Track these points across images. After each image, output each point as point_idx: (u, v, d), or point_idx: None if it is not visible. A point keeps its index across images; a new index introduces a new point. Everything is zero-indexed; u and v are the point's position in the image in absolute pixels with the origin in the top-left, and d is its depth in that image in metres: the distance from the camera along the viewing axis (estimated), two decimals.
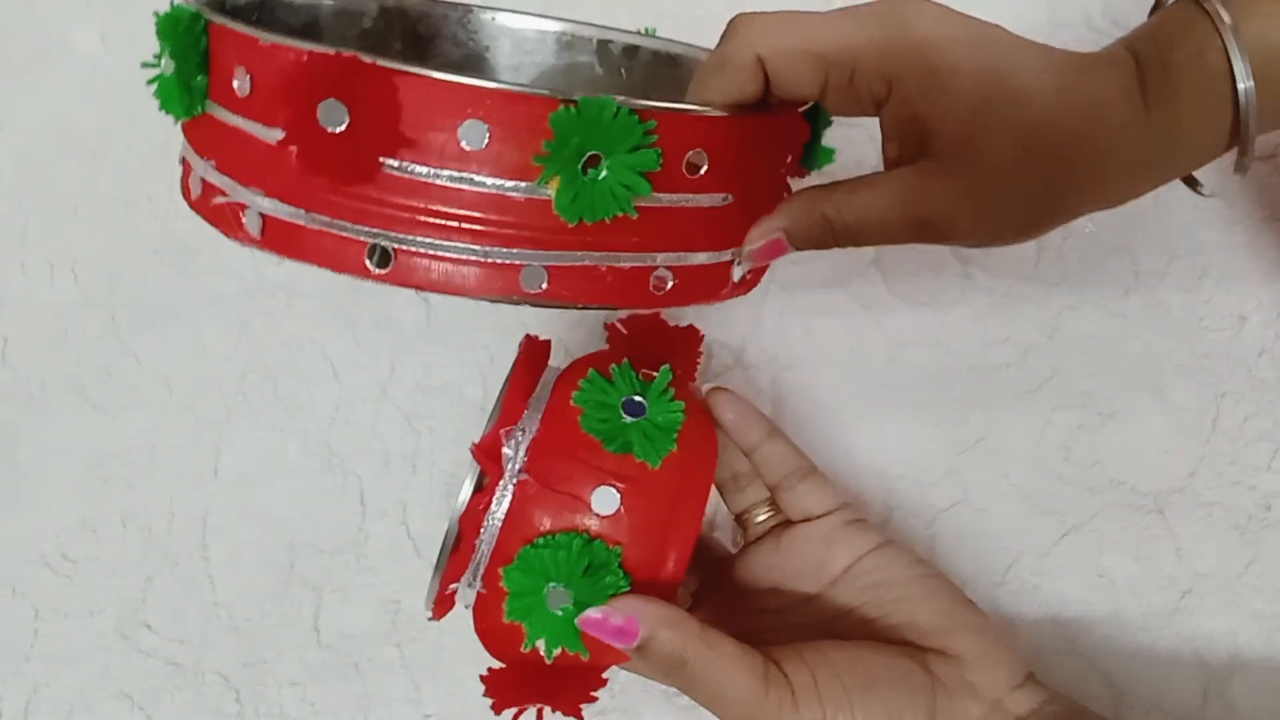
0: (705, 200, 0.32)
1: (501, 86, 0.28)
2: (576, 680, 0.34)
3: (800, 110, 0.35)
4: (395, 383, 0.51)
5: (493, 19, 0.46)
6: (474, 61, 0.46)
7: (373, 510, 0.48)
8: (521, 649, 0.34)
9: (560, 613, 0.32)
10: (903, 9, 0.32)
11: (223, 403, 0.52)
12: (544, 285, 0.30)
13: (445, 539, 0.34)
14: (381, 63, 0.28)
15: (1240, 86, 0.31)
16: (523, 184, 0.29)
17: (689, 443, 0.35)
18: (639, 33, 0.46)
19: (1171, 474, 0.43)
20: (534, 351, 0.39)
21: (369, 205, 0.29)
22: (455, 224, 0.29)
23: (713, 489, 0.38)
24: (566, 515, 0.33)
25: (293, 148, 0.28)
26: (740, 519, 0.40)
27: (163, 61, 0.32)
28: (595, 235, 0.30)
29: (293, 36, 0.29)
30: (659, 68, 0.46)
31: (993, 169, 0.32)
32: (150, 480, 0.51)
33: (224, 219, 0.32)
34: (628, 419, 0.34)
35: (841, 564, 0.37)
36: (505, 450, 0.34)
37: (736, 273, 0.35)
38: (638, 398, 0.34)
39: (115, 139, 0.59)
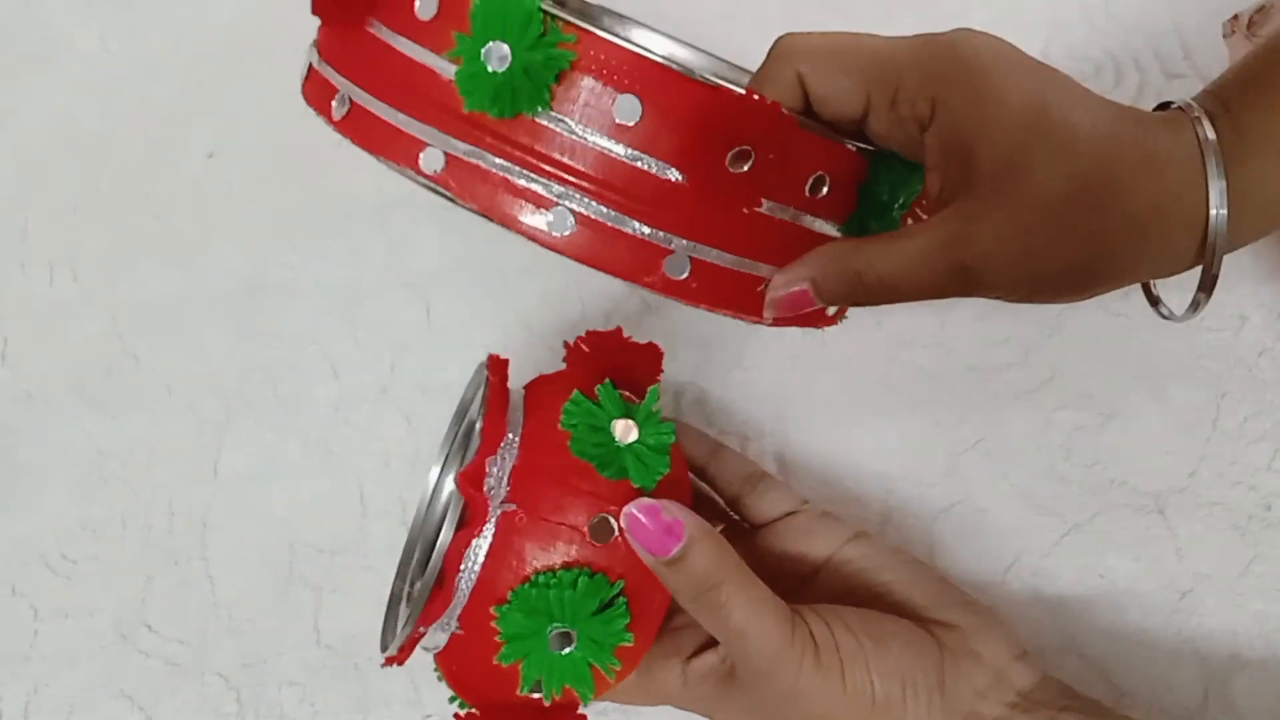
0: (635, 159, 0.29)
1: None
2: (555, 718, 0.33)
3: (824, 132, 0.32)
4: (395, 383, 0.51)
5: None
6: None
7: (373, 510, 0.48)
8: (516, 692, 0.32)
9: (564, 654, 0.31)
10: (953, 34, 0.31)
11: (223, 403, 0.52)
12: (440, 168, 0.30)
13: (425, 580, 0.33)
14: None
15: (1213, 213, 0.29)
16: (441, 58, 0.29)
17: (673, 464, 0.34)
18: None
19: (1172, 474, 0.43)
20: (501, 371, 0.37)
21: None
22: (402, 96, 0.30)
23: None
24: (562, 547, 0.32)
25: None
26: None
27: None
28: (497, 134, 0.29)
29: None
30: None
31: (1039, 204, 0.30)
32: (150, 480, 0.51)
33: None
34: (621, 442, 0.32)
35: (822, 554, 0.38)
36: (488, 479, 0.32)
37: (677, 273, 0.31)
38: (629, 419, 0.32)
39: (115, 139, 0.59)
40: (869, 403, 0.46)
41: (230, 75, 0.59)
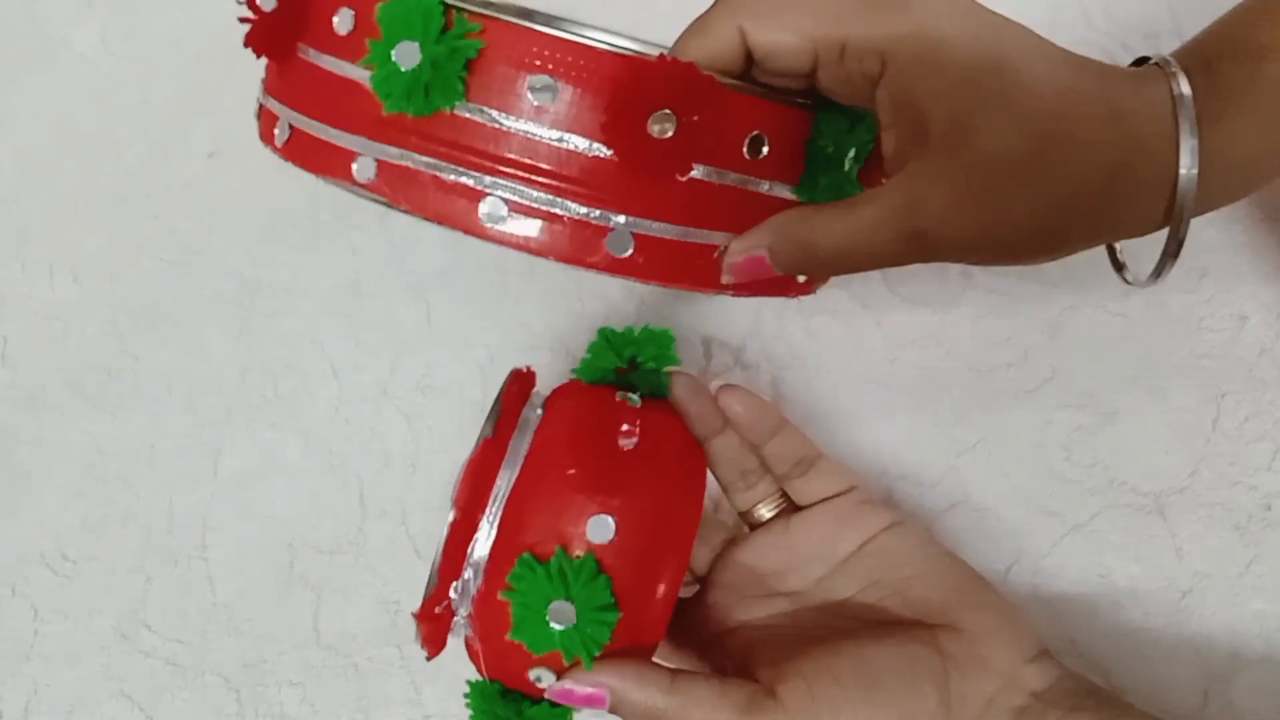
0: (559, 139, 0.29)
1: None
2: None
3: (758, 90, 0.31)
4: (395, 383, 0.51)
5: None
6: None
7: (373, 510, 0.48)
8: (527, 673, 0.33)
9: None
10: None
11: (223, 403, 0.52)
12: (372, 175, 0.30)
13: (429, 579, 0.34)
14: None
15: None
16: (359, 68, 0.30)
17: (676, 478, 0.33)
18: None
19: (1172, 474, 0.43)
20: (520, 387, 0.36)
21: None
22: (334, 111, 0.31)
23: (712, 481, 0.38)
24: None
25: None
26: (745, 515, 0.40)
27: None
28: (420, 133, 0.29)
29: None
30: None
31: (992, 164, 0.28)
32: (150, 480, 0.51)
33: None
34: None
35: (853, 543, 0.37)
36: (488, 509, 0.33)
37: (621, 250, 0.31)
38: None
39: (115, 139, 0.59)
40: (869, 403, 0.46)
41: (230, 75, 0.59)
